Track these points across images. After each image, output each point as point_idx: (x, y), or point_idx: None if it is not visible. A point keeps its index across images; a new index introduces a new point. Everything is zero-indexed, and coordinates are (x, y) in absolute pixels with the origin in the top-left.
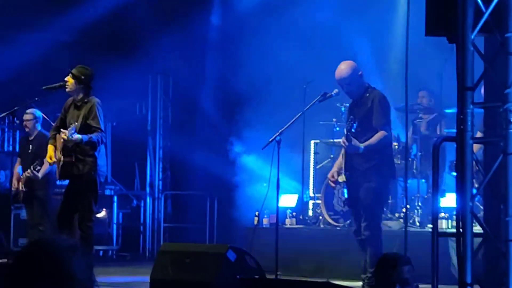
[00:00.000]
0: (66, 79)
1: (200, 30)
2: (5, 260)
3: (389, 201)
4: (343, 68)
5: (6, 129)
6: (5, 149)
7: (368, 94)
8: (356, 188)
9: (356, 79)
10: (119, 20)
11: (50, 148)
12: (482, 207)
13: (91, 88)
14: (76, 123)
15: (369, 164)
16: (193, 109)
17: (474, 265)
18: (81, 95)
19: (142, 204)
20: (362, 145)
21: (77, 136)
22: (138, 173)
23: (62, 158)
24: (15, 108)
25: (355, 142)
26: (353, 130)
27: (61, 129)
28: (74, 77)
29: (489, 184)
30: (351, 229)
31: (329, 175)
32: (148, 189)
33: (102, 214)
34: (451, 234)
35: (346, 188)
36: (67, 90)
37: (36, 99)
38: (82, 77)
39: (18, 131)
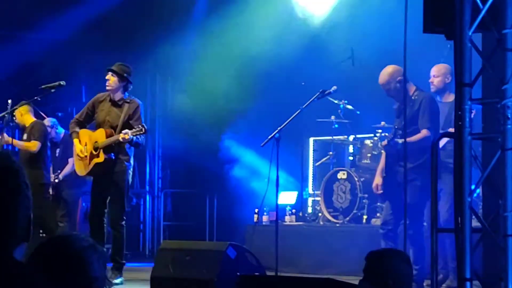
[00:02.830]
0: (106, 77)
1: (198, 28)
2: None
3: None
4: (382, 74)
5: (5, 129)
6: (4, 148)
7: (414, 97)
8: (397, 185)
9: (394, 84)
10: (117, 18)
11: (77, 142)
12: (481, 203)
13: (131, 85)
14: (139, 126)
15: (414, 163)
16: (191, 107)
17: (473, 261)
18: (120, 93)
19: (142, 203)
20: (400, 141)
21: (131, 137)
22: (138, 171)
23: (102, 155)
24: (14, 108)
25: (394, 141)
26: (398, 135)
27: (124, 130)
28: (116, 74)
29: (487, 180)
30: (350, 225)
31: (374, 186)
32: (147, 188)
33: None
34: (450, 230)
35: (383, 184)
36: (107, 88)
37: (36, 98)
38: (125, 74)
39: (16, 130)
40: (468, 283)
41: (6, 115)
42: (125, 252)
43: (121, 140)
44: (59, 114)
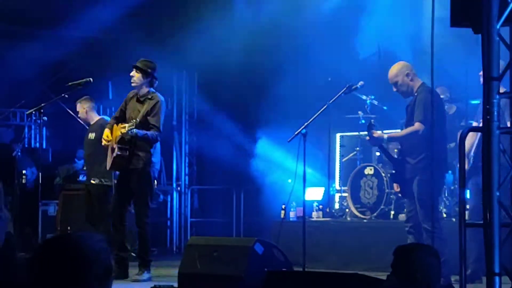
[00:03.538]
0: (131, 74)
1: (225, 25)
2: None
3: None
4: (391, 70)
5: (33, 126)
6: (32, 146)
7: (417, 94)
8: (408, 182)
9: (403, 80)
10: (144, 16)
11: (107, 130)
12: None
13: (156, 81)
14: (137, 119)
15: (416, 158)
16: (218, 104)
17: (502, 255)
18: (145, 89)
19: (169, 199)
20: (386, 136)
21: (134, 131)
22: (165, 168)
23: (116, 150)
24: (42, 105)
25: (377, 134)
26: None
27: (121, 123)
28: (140, 70)
29: None
30: (378, 221)
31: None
32: (174, 184)
33: None
34: (478, 224)
35: (398, 182)
36: (133, 84)
37: (63, 95)
38: (149, 70)
39: (44, 128)
40: (497, 278)
41: (33, 112)
42: (152, 248)
43: (121, 134)
44: None
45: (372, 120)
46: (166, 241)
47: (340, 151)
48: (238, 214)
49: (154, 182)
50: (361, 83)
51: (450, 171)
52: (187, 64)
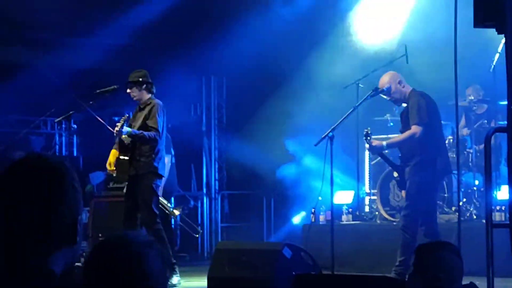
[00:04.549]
0: (128, 91)
1: (253, 30)
2: None
3: (445, 195)
4: (382, 79)
5: (64, 134)
6: (63, 153)
7: (409, 99)
8: (405, 185)
9: (396, 87)
10: (171, 21)
11: (112, 153)
12: None
13: (152, 85)
14: (126, 115)
15: (414, 160)
16: (247, 109)
17: None
18: (146, 97)
19: (199, 205)
20: (385, 143)
21: (127, 128)
22: (195, 174)
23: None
24: (70, 112)
25: (376, 142)
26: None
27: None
28: (133, 84)
29: None
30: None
31: None
32: (204, 190)
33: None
34: (505, 225)
35: (402, 188)
36: (135, 99)
37: (91, 102)
38: (140, 79)
39: (75, 136)
40: None
41: (63, 120)
42: (183, 254)
43: (114, 134)
44: (116, 119)
45: (368, 129)
46: (197, 246)
47: (369, 154)
48: (269, 219)
49: (156, 188)
50: (387, 85)
51: (480, 173)
52: (215, 69)
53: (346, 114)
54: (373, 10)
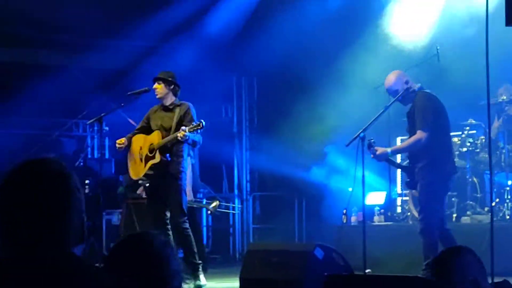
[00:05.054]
0: (154, 87)
1: (284, 30)
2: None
3: (478, 195)
4: (389, 78)
5: (96, 136)
6: (95, 156)
7: (416, 100)
8: (414, 185)
9: (402, 87)
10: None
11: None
12: None
13: (179, 89)
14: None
15: (421, 163)
16: (278, 110)
17: None
18: (171, 98)
19: (231, 206)
20: (389, 150)
21: (187, 134)
22: (226, 175)
23: (158, 156)
24: (102, 115)
25: (380, 151)
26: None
27: (182, 127)
28: (163, 81)
29: None
30: None
31: None
32: (236, 191)
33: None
34: None
35: (413, 188)
36: (158, 96)
37: (122, 104)
38: (169, 78)
39: (107, 138)
40: None
41: (95, 122)
42: (215, 256)
43: (178, 137)
44: None
45: (371, 139)
46: (229, 248)
47: (401, 155)
48: (300, 220)
49: (185, 187)
50: (418, 85)
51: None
52: (245, 70)
53: (377, 115)
54: (405, 9)
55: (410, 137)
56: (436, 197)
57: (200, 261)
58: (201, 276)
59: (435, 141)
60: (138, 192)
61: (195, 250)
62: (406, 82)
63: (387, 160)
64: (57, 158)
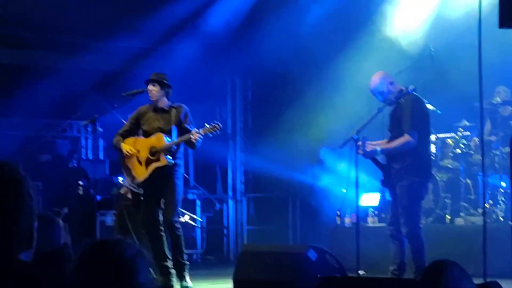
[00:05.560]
0: (149, 88)
1: (279, 32)
2: None
3: (471, 197)
4: (373, 79)
5: (90, 137)
6: (89, 157)
7: (402, 100)
8: (392, 186)
9: (387, 87)
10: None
11: (126, 148)
12: None
13: (170, 90)
14: (197, 130)
15: (399, 165)
16: (272, 111)
17: None
18: (165, 100)
19: (225, 207)
20: (379, 148)
21: (201, 136)
22: (220, 176)
23: (163, 158)
24: (96, 116)
25: (370, 147)
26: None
27: (195, 130)
28: (158, 83)
29: None
30: (433, 225)
31: None
32: (230, 192)
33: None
34: None
35: (386, 187)
36: (153, 98)
37: (116, 105)
38: (164, 81)
39: (101, 139)
40: None
41: (89, 123)
42: (209, 257)
43: (192, 140)
44: None
45: (364, 137)
46: (223, 249)
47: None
48: (294, 221)
49: (181, 187)
50: (412, 86)
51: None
52: (240, 71)
53: (371, 117)
54: (399, 12)
55: (392, 136)
56: (418, 199)
57: (187, 262)
58: (187, 278)
59: (420, 144)
60: (122, 192)
61: (184, 250)
62: (391, 83)
63: (372, 159)
64: (11, 162)
